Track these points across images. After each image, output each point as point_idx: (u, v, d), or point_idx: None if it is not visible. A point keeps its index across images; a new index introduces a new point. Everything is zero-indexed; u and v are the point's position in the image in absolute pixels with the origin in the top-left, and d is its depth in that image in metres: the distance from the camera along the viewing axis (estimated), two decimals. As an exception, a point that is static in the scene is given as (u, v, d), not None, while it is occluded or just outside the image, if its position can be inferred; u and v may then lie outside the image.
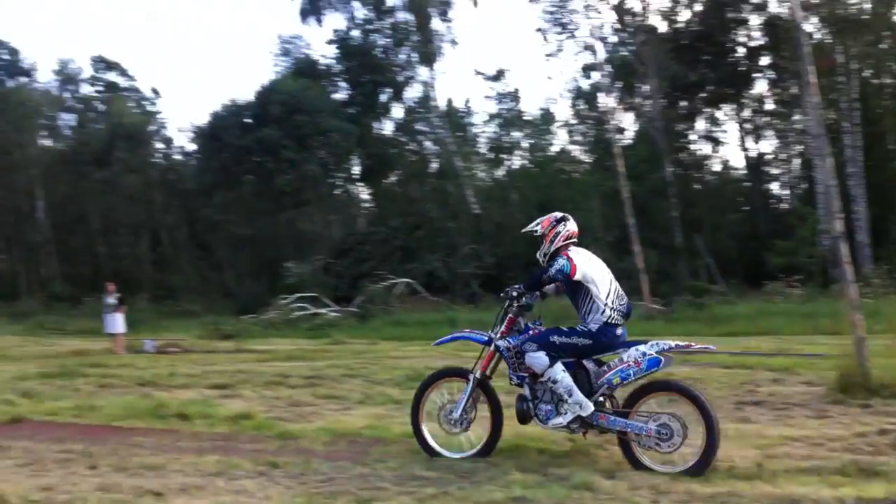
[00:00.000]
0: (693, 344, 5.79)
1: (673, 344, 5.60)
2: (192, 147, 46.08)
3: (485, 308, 27.29)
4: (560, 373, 5.63)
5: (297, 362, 14.64)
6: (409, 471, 5.54)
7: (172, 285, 40.61)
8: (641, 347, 5.59)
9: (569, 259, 5.72)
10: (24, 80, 48.17)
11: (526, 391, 5.87)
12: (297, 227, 41.05)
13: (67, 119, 50.02)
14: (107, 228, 44.64)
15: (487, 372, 6.16)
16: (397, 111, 43.09)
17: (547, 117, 41.18)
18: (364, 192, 46.71)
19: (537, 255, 6.12)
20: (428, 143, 42.88)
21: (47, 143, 48.18)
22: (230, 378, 11.47)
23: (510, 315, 6.05)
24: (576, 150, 40.14)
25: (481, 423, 6.06)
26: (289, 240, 40.60)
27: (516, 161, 42.71)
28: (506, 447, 6.07)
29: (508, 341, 5.98)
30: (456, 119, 42.87)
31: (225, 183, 39.45)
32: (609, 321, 5.67)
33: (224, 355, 17.06)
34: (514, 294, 5.99)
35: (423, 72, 40.67)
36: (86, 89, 50.91)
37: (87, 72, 50.53)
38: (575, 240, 6.04)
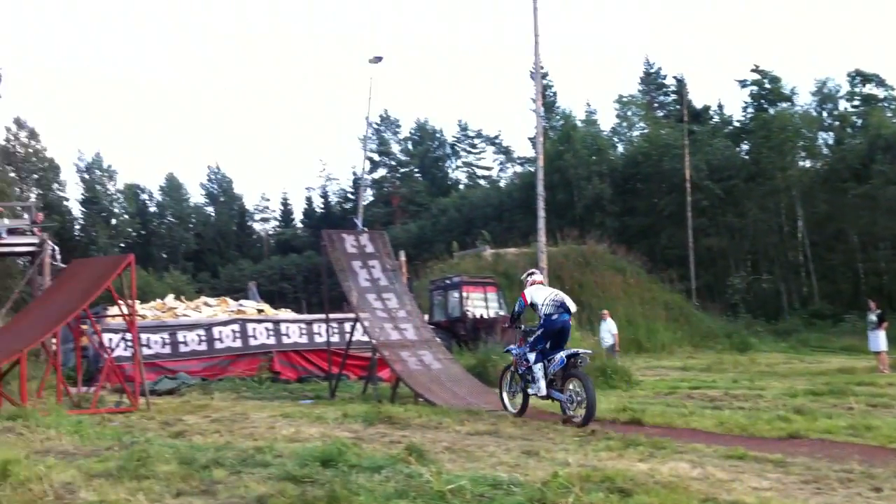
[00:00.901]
0: (579, 350, 9.99)
1: (571, 350, 9.87)
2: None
3: None
4: (537, 368, 9.87)
5: None
6: None
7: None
8: (560, 353, 9.73)
9: (522, 297, 10.36)
10: (784, 105, 50.58)
11: (529, 376, 10.07)
12: None
13: (825, 137, 50.82)
14: (865, 244, 43.81)
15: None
16: None
17: None
18: None
19: None
20: None
21: (805, 163, 49.61)
22: None
23: (520, 336, 10.59)
24: None
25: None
26: None
27: None
28: None
29: (518, 350, 10.42)
30: None
31: None
32: (545, 313, 9.93)
33: None
34: (507, 326, 12.53)
35: None
36: (843, 105, 51.08)
37: (844, 88, 50.68)
38: (539, 284, 10.63)
